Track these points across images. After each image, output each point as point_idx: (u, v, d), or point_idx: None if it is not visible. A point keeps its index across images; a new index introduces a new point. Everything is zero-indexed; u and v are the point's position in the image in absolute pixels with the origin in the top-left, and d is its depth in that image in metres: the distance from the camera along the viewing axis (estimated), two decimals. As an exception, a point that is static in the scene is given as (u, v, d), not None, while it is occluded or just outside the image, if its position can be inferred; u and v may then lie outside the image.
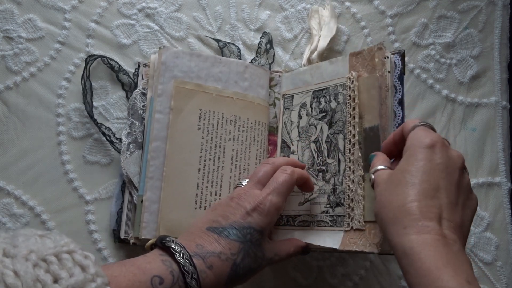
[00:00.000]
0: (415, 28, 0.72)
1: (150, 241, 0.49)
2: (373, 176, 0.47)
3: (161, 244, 0.46)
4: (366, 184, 0.53)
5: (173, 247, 0.45)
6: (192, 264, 0.44)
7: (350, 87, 0.56)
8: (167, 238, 0.46)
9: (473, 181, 0.69)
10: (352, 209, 0.53)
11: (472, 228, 0.68)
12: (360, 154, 0.54)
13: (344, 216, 0.54)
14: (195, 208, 0.58)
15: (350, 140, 0.55)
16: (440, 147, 0.43)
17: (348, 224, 0.53)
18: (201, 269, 0.44)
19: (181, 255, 0.44)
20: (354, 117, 0.55)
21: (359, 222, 0.52)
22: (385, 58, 0.55)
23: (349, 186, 0.54)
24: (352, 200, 0.53)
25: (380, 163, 0.48)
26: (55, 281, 0.34)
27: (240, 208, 0.49)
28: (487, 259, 0.67)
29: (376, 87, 0.54)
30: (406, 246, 0.38)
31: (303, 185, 0.56)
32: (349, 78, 0.57)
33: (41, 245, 0.36)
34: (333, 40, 0.69)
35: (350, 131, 0.55)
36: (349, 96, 0.56)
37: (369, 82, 0.55)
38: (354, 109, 0.55)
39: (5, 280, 0.32)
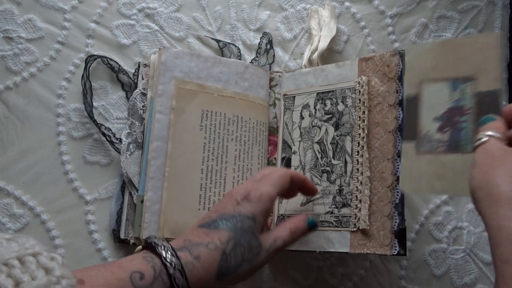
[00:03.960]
0: (415, 28, 0.72)
1: (138, 247, 0.47)
2: (485, 138, 0.41)
3: (145, 243, 0.44)
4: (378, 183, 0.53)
5: (155, 241, 0.43)
6: (175, 255, 0.42)
7: (360, 91, 0.57)
8: (152, 235, 0.45)
9: (473, 181, 0.69)
10: (360, 210, 0.54)
11: (472, 228, 0.68)
12: (367, 156, 0.55)
13: (351, 216, 0.55)
14: (199, 209, 0.58)
15: (358, 143, 0.56)
16: None
17: (355, 224, 0.54)
18: (186, 261, 0.42)
19: (163, 247, 0.42)
20: (363, 120, 0.56)
21: (364, 222, 0.53)
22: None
23: (357, 187, 0.55)
24: (360, 201, 0.54)
25: (498, 131, 0.42)
26: (17, 285, 0.33)
27: (231, 200, 0.48)
28: (487, 259, 0.67)
29: (497, 47, 0.47)
30: None
31: (303, 187, 0.54)
32: (359, 83, 0.58)
33: (5, 249, 0.35)
34: (333, 41, 0.68)
35: (359, 134, 0.56)
36: (359, 100, 0.57)
37: (487, 41, 0.49)
38: (364, 112, 0.56)
39: None
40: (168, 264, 0.41)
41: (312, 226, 0.49)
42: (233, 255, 0.44)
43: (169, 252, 0.42)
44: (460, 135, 0.48)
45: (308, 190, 0.55)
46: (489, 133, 0.42)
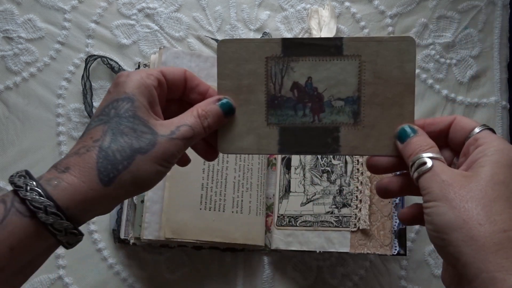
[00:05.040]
0: (415, 28, 0.72)
1: None
2: (429, 163, 0.34)
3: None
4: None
5: (11, 177, 0.34)
6: (29, 177, 0.33)
7: None
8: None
9: (473, 181, 0.69)
10: (360, 210, 0.54)
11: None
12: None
13: (351, 216, 0.55)
14: (200, 209, 0.58)
15: None
16: None
17: (355, 224, 0.54)
18: (49, 177, 0.33)
19: (16, 175, 0.33)
20: None
21: (364, 222, 0.53)
22: None
23: (357, 187, 0.55)
24: (360, 201, 0.54)
25: (435, 151, 0.35)
26: None
27: (105, 96, 0.37)
28: (487, 259, 0.67)
29: None
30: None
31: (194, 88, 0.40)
32: None
33: None
34: (333, 40, 0.69)
35: None
36: None
37: None
38: None
39: None
40: (18, 189, 0.32)
41: (225, 107, 0.38)
42: (115, 148, 0.34)
43: (22, 178, 0.33)
44: (287, 107, 0.39)
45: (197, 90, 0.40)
46: (430, 154, 0.34)
